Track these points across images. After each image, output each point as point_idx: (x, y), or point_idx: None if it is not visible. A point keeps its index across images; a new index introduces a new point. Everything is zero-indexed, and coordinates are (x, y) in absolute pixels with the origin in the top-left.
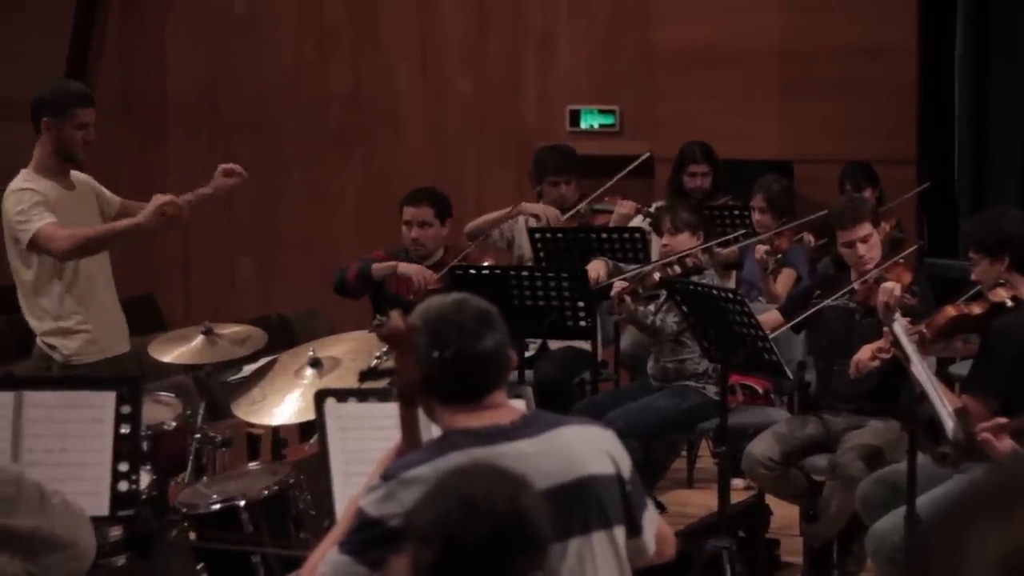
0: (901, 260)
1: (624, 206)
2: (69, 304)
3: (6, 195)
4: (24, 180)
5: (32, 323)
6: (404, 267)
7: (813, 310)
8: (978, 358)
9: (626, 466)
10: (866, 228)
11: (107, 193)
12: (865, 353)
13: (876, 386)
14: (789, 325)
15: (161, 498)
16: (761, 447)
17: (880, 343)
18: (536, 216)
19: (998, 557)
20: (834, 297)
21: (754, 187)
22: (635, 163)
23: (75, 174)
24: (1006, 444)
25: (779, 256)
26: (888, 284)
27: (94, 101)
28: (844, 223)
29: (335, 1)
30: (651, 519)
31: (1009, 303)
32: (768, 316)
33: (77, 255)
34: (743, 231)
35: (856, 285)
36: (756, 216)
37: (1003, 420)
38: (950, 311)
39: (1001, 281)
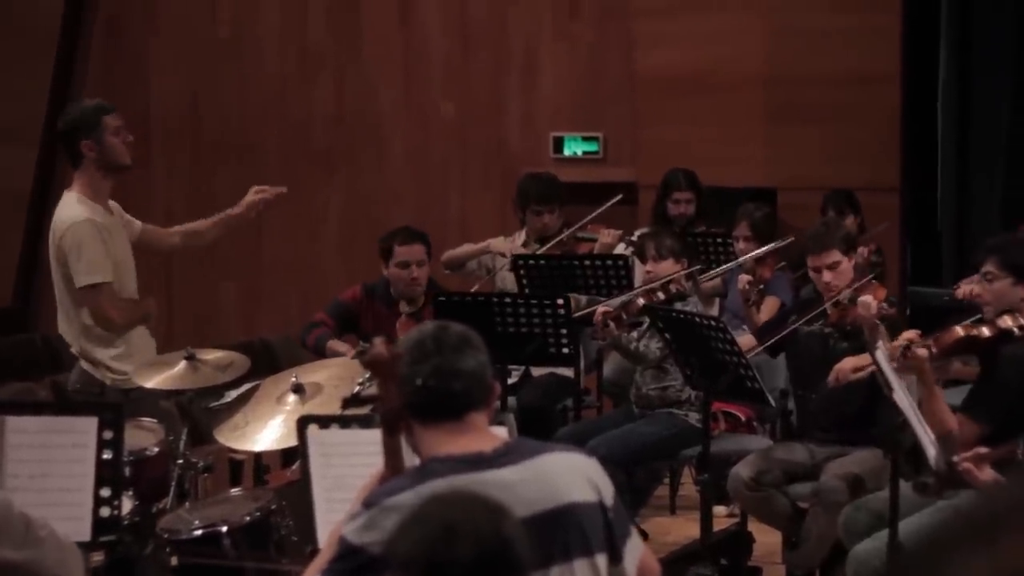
0: (872, 279)
1: (608, 235)
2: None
3: (60, 220)
4: (82, 206)
5: (86, 345)
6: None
7: (786, 332)
8: (980, 382)
9: (608, 493)
10: (834, 255)
11: (126, 216)
12: (847, 364)
13: (854, 414)
14: (761, 347)
15: (143, 523)
16: (747, 469)
17: (863, 359)
18: (503, 255)
19: None
20: (806, 318)
21: (736, 216)
22: (614, 200)
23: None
24: (987, 474)
25: (762, 286)
26: (864, 298)
27: (114, 106)
28: (813, 248)
29: (318, 23)
30: (634, 547)
31: (1016, 332)
32: (743, 339)
33: (118, 330)
34: (731, 263)
35: (828, 307)
36: (740, 245)
37: (984, 450)
38: (959, 331)
39: (1008, 309)
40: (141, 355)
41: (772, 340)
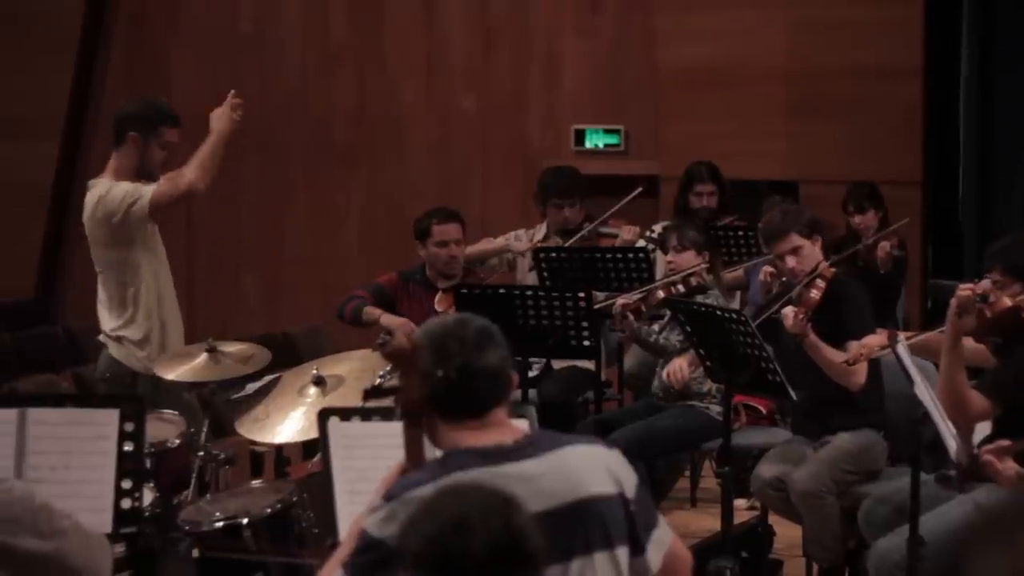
0: (820, 274)
1: (628, 232)
2: (157, 315)
3: (100, 199)
4: (112, 184)
5: (114, 334)
6: (387, 319)
7: (762, 318)
8: (1002, 364)
9: (631, 485)
10: (793, 240)
11: None
12: (873, 340)
13: (832, 402)
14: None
15: (164, 515)
16: (769, 469)
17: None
18: (522, 255)
19: None
20: (775, 308)
21: (762, 208)
22: (635, 192)
23: None
24: (1008, 466)
25: (784, 279)
26: (786, 310)
27: (181, 122)
28: (770, 237)
29: (340, 19)
30: (661, 539)
31: None
32: None
33: (207, 178)
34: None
35: (794, 294)
36: None
37: (1006, 443)
38: (1007, 301)
39: None
40: (170, 340)
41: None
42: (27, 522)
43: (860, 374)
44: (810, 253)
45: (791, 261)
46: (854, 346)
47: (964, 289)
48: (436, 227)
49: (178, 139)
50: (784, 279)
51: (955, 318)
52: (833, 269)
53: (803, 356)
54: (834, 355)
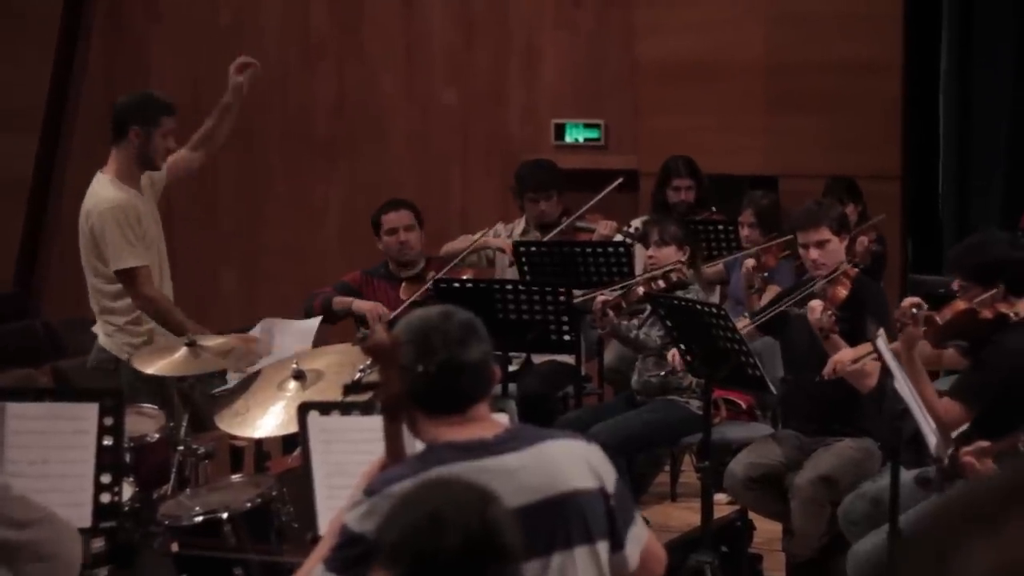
0: (845, 271)
1: (605, 227)
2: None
3: (98, 200)
4: (115, 189)
5: (104, 322)
6: (358, 304)
7: (775, 310)
8: (971, 367)
9: (611, 480)
10: (823, 233)
11: (156, 175)
12: (846, 355)
13: (837, 403)
14: (752, 325)
15: (144, 510)
16: (743, 466)
17: (861, 349)
18: (501, 250)
19: (987, 572)
20: (796, 298)
21: (742, 202)
22: (615, 183)
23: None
24: (988, 467)
25: (766, 273)
26: (813, 303)
27: (176, 109)
28: (802, 224)
29: (320, 11)
30: (637, 535)
31: (1013, 317)
32: (740, 322)
33: (147, 311)
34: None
35: (817, 289)
36: (744, 231)
37: (986, 444)
38: (960, 304)
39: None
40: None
41: (763, 318)
42: (5, 513)
43: (873, 376)
44: (836, 249)
45: (815, 253)
46: (830, 361)
47: (904, 304)
48: (384, 217)
49: (175, 126)
50: (766, 274)
51: (902, 331)
52: (857, 269)
53: (813, 352)
54: (849, 353)
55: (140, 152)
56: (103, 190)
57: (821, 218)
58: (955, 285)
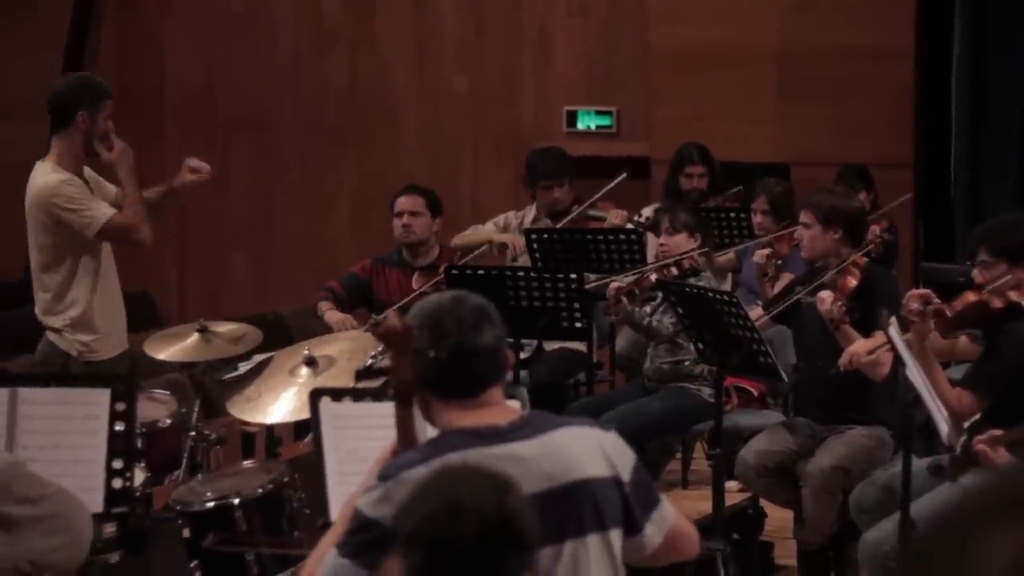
0: (854, 260)
1: (616, 216)
2: (97, 300)
3: (42, 188)
4: (57, 172)
5: (49, 319)
6: (328, 317)
7: (790, 300)
8: (983, 356)
9: (627, 467)
10: (805, 216)
11: (102, 183)
12: (861, 346)
13: (850, 392)
14: (767, 316)
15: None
16: (754, 454)
17: (875, 340)
18: (505, 245)
19: (1010, 562)
20: (810, 288)
21: (755, 189)
22: (619, 178)
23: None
24: (1002, 455)
25: (779, 261)
26: (822, 293)
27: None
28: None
29: (333, 0)
30: (663, 516)
31: None
32: (753, 312)
33: (149, 237)
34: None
35: (827, 279)
36: (757, 218)
37: (999, 432)
38: (971, 296)
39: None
40: (108, 328)
41: (776, 309)
42: (16, 489)
43: (886, 365)
44: (815, 236)
45: (798, 232)
46: (846, 352)
47: (910, 298)
48: (396, 200)
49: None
50: (779, 262)
51: (912, 325)
52: (866, 258)
53: (825, 340)
54: (864, 344)
55: (87, 136)
56: (46, 177)
57: (809, 204)
58: (978, 259)
